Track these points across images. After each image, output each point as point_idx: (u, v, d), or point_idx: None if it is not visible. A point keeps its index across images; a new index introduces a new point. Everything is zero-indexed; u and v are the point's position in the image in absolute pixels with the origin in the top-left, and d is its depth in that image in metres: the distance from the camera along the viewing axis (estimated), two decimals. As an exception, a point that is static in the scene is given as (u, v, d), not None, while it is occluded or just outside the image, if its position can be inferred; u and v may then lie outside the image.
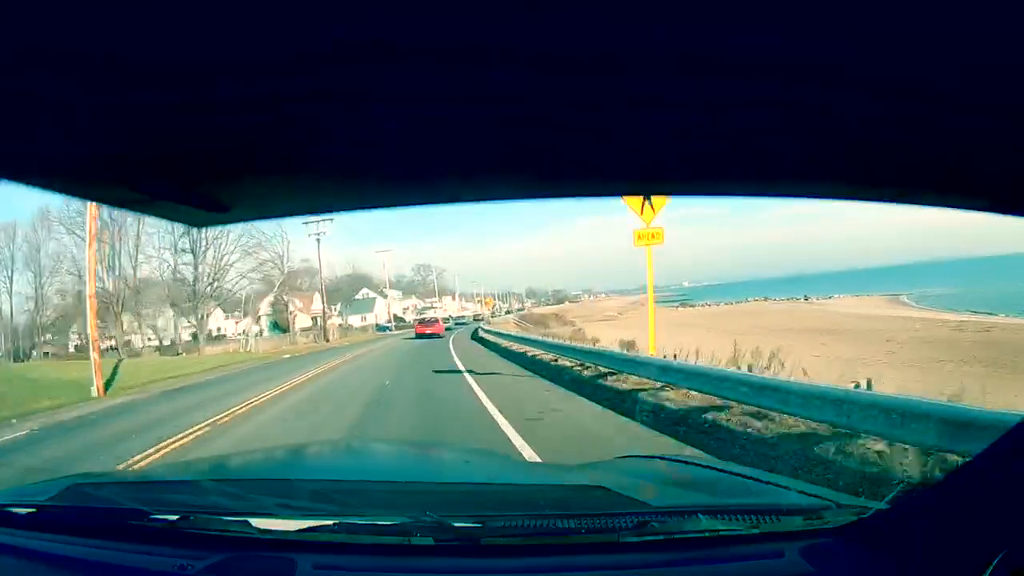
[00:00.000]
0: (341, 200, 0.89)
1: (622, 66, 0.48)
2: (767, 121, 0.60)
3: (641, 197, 9.74)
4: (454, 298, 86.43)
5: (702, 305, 68.01)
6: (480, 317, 58.63)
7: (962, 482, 0.92)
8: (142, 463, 5.84)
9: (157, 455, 6.22)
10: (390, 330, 53.54)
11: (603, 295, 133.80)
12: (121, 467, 5.61)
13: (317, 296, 54.58)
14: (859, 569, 0.99)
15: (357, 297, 68.09)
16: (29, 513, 1.23)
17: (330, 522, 1.10)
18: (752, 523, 1.03)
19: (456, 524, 1.06)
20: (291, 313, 51.15)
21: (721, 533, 1.03)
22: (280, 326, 49.88)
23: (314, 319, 51.81)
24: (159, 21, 0.41)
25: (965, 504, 0.84)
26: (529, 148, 0.68)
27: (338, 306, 62.95)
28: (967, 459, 0.92)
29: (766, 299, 68.43)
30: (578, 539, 1.06)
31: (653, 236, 9.70)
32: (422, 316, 44.97)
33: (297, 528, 1.10)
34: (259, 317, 50.19)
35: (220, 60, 0.47)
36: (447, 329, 36.16)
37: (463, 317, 64.45)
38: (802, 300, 62.36)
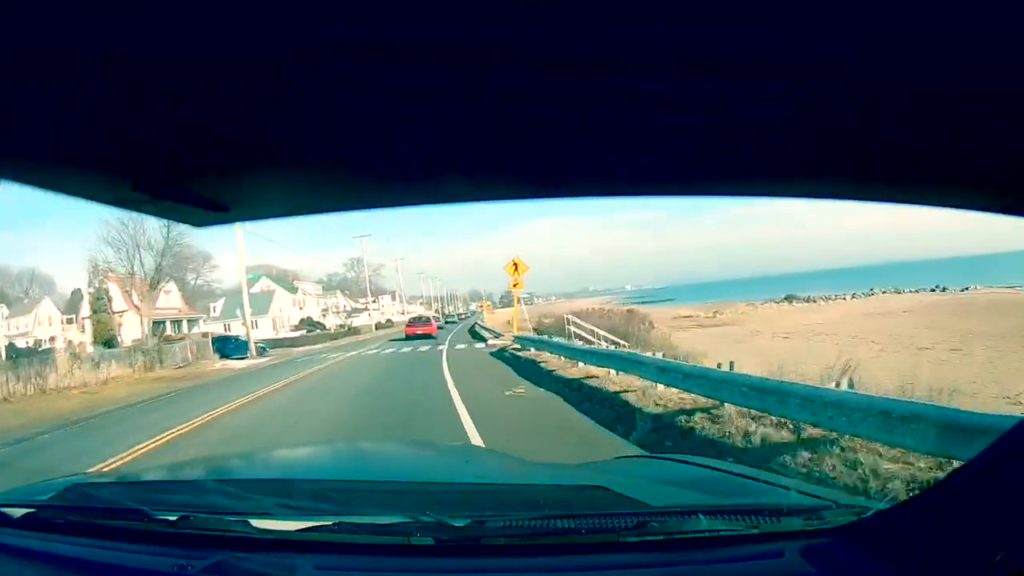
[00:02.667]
0: (340, 200, 0.89)
1: (622, 66, 0.48)
2: (767, 122, 0.60)
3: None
4: (393, 298, 72.04)
5: (808, 300, 54.46)
6: (436, 320, 40.04)
7: (962, 482, 0.92)
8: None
9: None
10: (247, 354, 25.84)
11: (554, 298, 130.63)
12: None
13: (174, 288, 35.78)
14: (859, 569, 0.99)
15: (254, 291, 43.13)
16: (29, 513, 1.23)
17: (330, 522, 1.10)
18: (752, 523, 1.03)
19: (456, 524, 1.06)
20: (117, 315, 31.65)
21: (721, 533, 1.02)
22: (100, 336, 30.79)
23: (156, 324, 30.87)
24: (158, 21, 0.41)
25: (965, 504, 0.84)
26: (531, 149, 0.68)
27: (219, 304, 43.64)
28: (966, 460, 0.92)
29: (898, 291, 56.15)
30: (578, 539, 1.06)
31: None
32: (414, 315, 37.55)
33: (297, 528, 1.10)
34: (83, 320, 32.71)
35: (219, 60, 0.47)
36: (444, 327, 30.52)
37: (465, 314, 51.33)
38: (935, 291, 52.27)
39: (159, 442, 7.85)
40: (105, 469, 6.39)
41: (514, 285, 18.73)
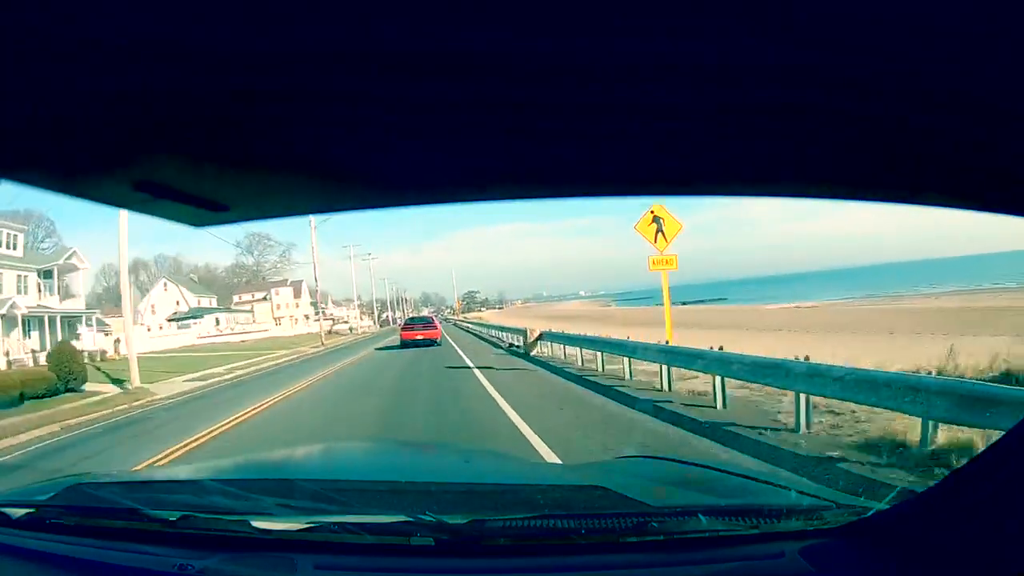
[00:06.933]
0: (340, 200, 0.89)
1: (625, 74, 0.49)
2: (767, 125, 0.60)
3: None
4: (298, 295, 48.88)
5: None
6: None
7: (962, 482, 0.92)
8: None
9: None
10: None
11: (518, 302, 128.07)
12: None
13: None
14: (859, 569, 0.99)
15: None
16: (29, 513, 1.23)
17: (330, 522, 1.10)
18: (752, 523, 1.03)
19: (456, 524, 1.06)
20: None
21: (721, 533, 1.02)
22: None
23: None
24: (160, 19, 0.41)
25: (965, 504, 0.84)
26: (532, 152, 0.68)
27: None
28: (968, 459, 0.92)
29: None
30: (578, 539, 1.06)
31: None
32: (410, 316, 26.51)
33: (297, 528, 1.10)
34: None
35: (221, 60, 0.47)
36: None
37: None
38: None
39: None
40: None
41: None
